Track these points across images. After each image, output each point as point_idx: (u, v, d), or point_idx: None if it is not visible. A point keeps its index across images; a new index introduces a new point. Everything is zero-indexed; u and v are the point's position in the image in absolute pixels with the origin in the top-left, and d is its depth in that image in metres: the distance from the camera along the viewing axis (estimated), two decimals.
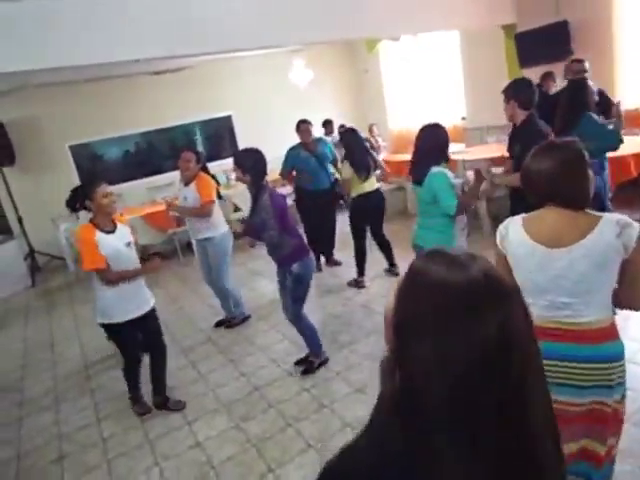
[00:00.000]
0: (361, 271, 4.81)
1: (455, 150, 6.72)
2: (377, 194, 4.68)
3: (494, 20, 6.31)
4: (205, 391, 3.47)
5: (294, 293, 3.28)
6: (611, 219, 1.49)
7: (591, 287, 1.51)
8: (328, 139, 6.30)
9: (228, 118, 8.76)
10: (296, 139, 5.17)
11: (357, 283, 4.78)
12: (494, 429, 0.64)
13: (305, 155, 5.05)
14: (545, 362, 1.54)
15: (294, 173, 5.21)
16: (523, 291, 1.64)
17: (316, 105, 8.78)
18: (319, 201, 5.10)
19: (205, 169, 4.21)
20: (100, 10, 3.85)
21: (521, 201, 2.93)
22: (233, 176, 6.71)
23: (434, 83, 8.13)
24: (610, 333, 1.54)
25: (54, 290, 6.66)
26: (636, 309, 1.56)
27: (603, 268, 1.49)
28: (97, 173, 7.58)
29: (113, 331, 3.15)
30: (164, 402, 3.32)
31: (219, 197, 4.28)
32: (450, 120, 7.92)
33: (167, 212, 5.14)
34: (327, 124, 7.82)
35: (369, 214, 4.73)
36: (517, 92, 3.06)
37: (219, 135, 8.84)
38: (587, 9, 5.63)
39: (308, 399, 3.13)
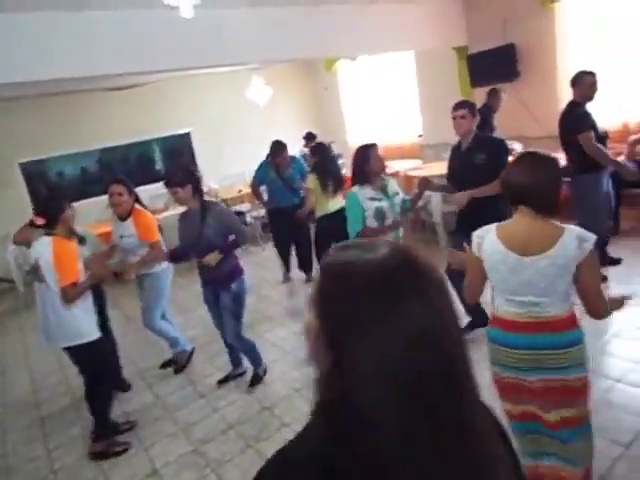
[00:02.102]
0: None
1: (412, 166, 6.91)
2: (342, 214, 3.88)
3: (447, 42, 6.57)
4: (162, 414, 3.36)
5: (236, 311, 3.27)
6: (572, 233, 1.67)
7: (555, 289, 1.71)
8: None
9: (187, 135, 8.70)
10: (257, 155, 5.26)
11: None
12: (436, 429, 0.59)
13: (273, 177, 5.17)
14: (516, 351, 1.74)
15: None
16: (497, 290, 1.83)
17: (276, 122, 8.84)
18: (285, 217, 5.16)
19: (138, 200, 3.62)
20: (56, 26, 3.80)
21: (467, 215, 3.12)
22: None
23: (391, 101, 8.34)
24: (569, 324, 1.74)
25: (2, 314, 6.34)
26: (590, 313, 1.74)
27: (565, 274, 1.68)
28: (59, 188, 7.58)
29: (90, 352, 2.90)
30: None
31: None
32: (408, 137, 8.15)
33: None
34: (309, 137, 7.76)
35: (334, 236, 4.08)
36: (475, 111, 3.27)
37: (178, 152, 8.74)
38: (531, 33, 5.94)
39: (269, 418, 3.09)
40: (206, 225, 3.09)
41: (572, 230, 1.67)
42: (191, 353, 4.02)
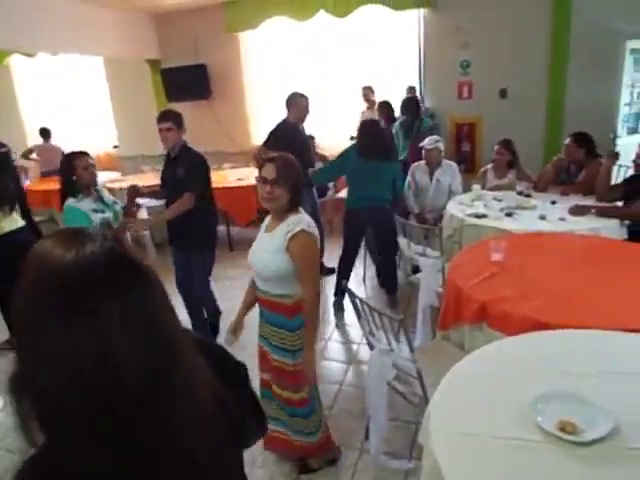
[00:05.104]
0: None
1: (112, 178, 6.51)
2: (23, 234, 3.43)
3: (138, 53, 6.47)
4: None
5: None
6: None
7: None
8: None
9: None
10: None
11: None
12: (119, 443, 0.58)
13: None
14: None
15: None
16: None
17: None
18: None
19: None
20: None
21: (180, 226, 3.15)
22: None
23: (82, 108, 7.65)
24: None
25: None
26: None
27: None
28: None
29: None
30: None
31: None
32: (103, 147, 7.63)
33: None
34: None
35: (11, 261, 3.50)
36: (181, 121, 3.17)
37: None
38: (221, 56, 6.42)
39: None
40: None
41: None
42: None
